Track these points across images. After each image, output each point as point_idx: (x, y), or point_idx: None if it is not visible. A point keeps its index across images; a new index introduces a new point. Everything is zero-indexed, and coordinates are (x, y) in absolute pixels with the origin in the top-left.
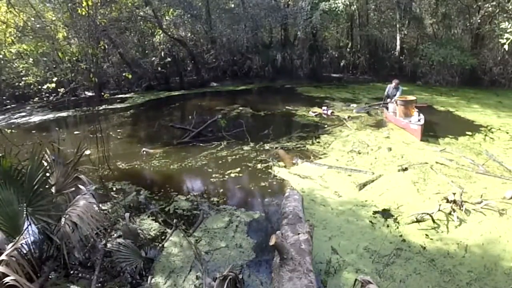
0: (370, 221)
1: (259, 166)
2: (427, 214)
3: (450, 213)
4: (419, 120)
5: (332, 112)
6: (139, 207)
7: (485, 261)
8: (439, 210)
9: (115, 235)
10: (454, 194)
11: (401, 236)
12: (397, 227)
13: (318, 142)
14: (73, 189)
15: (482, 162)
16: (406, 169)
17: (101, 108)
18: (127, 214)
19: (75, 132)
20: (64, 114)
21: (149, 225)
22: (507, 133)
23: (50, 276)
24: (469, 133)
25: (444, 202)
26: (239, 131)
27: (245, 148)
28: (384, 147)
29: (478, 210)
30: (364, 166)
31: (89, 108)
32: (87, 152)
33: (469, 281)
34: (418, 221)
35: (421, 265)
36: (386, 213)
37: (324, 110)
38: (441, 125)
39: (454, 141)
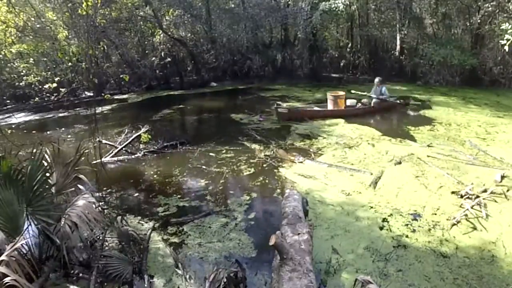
0: (385, 221)
1: (258, 166)
2: (463, 215)
3: (472, 207)
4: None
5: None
6: (135, 207)
7: None
8: (467, 208)
9: (109, 238)
10: (471, 188)
11: (443, 240)
12: (436, 230)
13: (307, 138)
14: (73, 188)
15: (468, 153)
16: (400, 162)
17: (100, 108)
18: (119, 217)
19: (74, 132)
20: (64, 114)
21: (143, 226)
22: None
23: (50, 276)
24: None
25: (458, 197)
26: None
27: (249, 148)
28: (363, 140)
29: (489, 199)
30: (357, 161)
31: (88, 109)
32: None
33: None
34: (457, 223)
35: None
36: (415, 215)
37: (259, 117)
38: (423, 122)
39: (437, 135)
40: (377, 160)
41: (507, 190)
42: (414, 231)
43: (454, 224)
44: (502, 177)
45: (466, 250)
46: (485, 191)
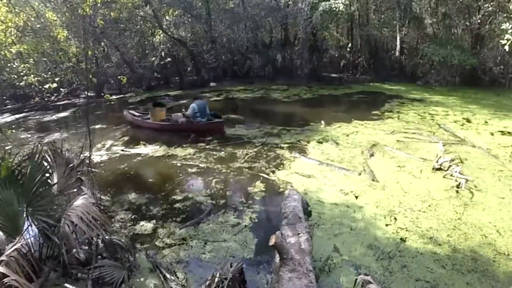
0: (393, 218)
1: (259, 165)
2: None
3: (458, 185)
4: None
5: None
6: (131, 207)
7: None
8: (455, 176)
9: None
10: (442, 161)
11: (437, 228)
12: (438, 218)
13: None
14: (75, 190)
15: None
16: (372, 155)
17: (99, 110)
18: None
19: (72, 132)
20: (63, 114)
21: (141, 226)
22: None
23: (49, 276)
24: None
25: (436, 170)
26: None
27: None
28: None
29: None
30: (338, 158)
31: (87, 109)
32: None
33: None
34: (458, 188)
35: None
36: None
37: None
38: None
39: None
40: (348, 154)
41: (464, 158)
42: (417, 225)
43: (457, 191)
44: (443, 145)
45: (456, 234)
46: (450, 160)
